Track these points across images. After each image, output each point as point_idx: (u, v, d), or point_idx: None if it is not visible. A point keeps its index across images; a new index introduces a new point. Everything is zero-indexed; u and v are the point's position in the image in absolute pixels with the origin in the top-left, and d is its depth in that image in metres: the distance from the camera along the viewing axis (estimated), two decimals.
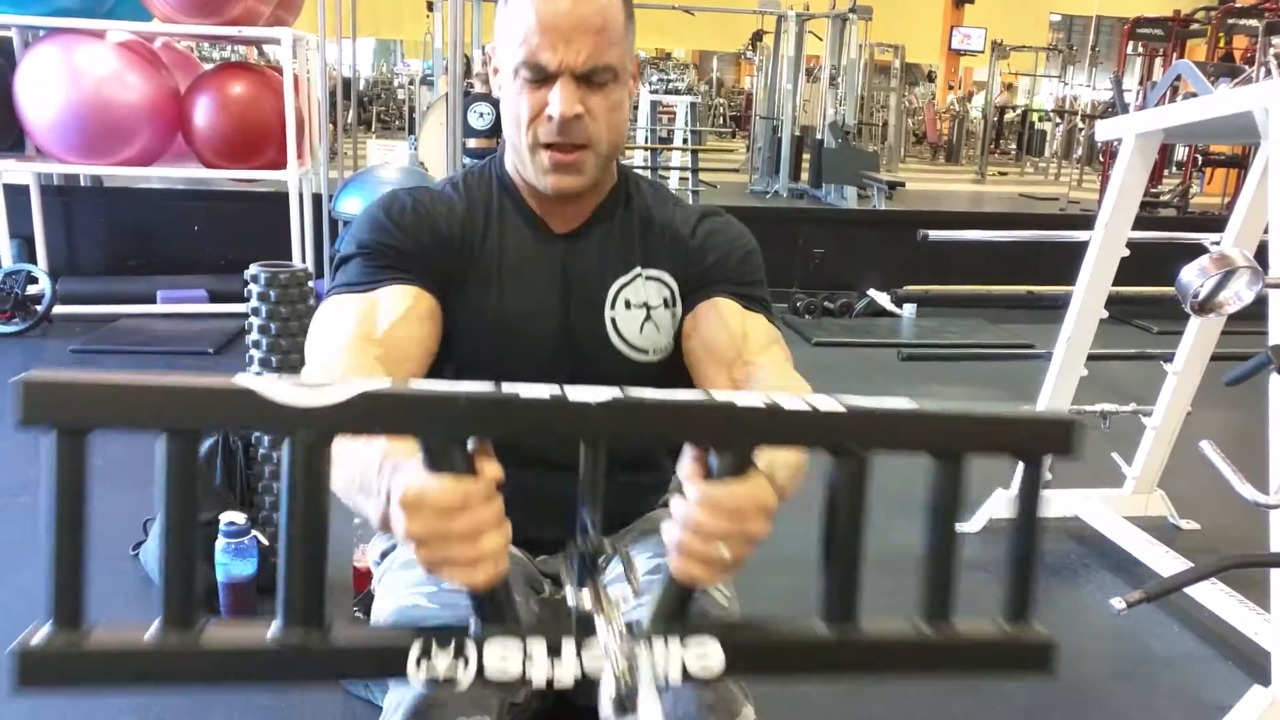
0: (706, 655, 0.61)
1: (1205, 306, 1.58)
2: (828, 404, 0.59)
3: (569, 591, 0.64)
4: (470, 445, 0.61)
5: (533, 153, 1.08)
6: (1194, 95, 2.27)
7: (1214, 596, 2.17)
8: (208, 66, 5.03)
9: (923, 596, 0.63)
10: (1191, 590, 2.18)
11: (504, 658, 0.59)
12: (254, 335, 2.19)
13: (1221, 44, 8.74)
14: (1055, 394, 2.69)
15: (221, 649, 0.56)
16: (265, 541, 2.14)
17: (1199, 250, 1.61)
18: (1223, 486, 1.69)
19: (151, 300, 4.63)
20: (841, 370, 4.43)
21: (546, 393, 0.57)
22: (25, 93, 4.12)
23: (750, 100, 13.30)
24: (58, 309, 4.31)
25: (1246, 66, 7.02)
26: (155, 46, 4.63)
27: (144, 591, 2.16)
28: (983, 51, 15.04)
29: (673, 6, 8.49)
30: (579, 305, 1.15)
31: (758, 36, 10.75)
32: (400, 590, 1.04)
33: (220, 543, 2.05)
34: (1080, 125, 12.09)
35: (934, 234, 3.23)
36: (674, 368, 1.16)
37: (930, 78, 17.44)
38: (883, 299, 5.26)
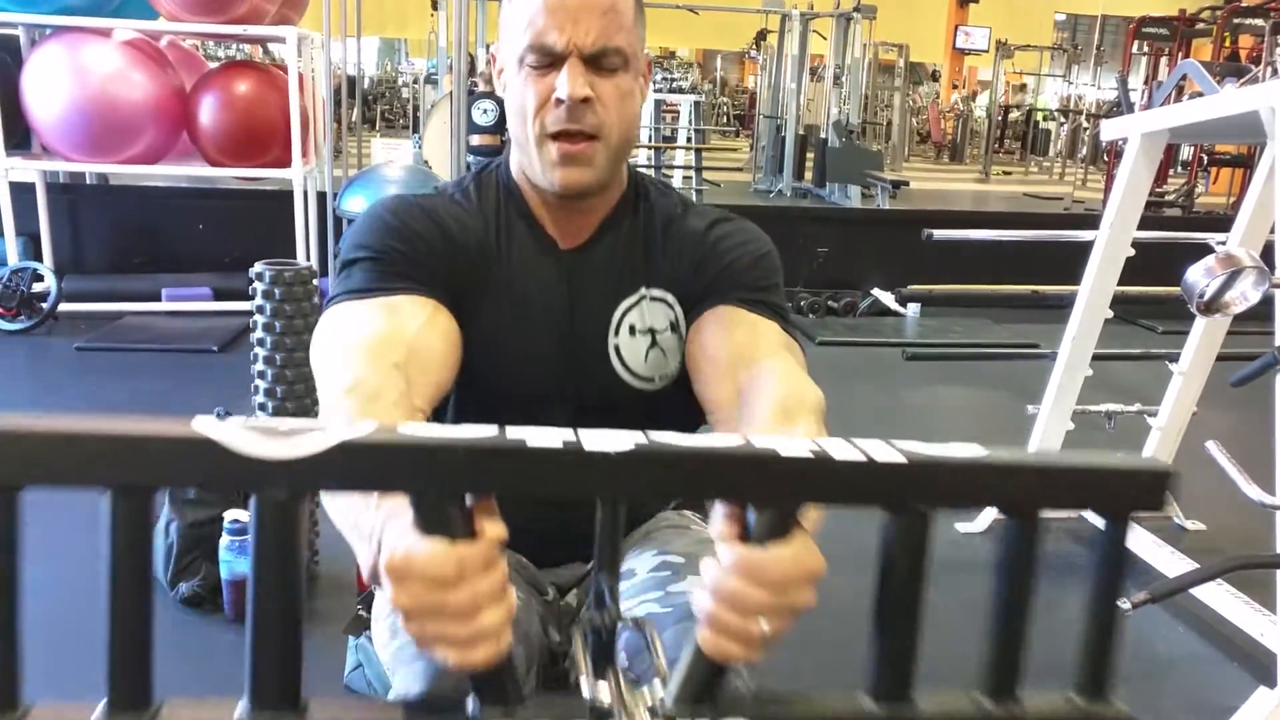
0: None
1: (1211, 306, 1.58)
2: (885, 453, 0.50)
3: (584, 681, 0.56)
4: (468, 500, 0.53)
5: (540, 146, 1.01)
6: (1199, 95, 2.26)
7: (1220, 597, 2.17)
8: (213, 65, 5.04)
9: (986, 668, 0.55)
10: (1197, 591, 2.17)
11: None
12: (258, 333, 2.20)
13: (1227, 43, 8.70)
14: (1060, 394, 2.69)
15: None
16: None
17: (1204, 250, 1.61)
18: (1229, 487, 1.69)
19: (156, 298, 4.64)
20: (846, 370, 4.42)
21: (558, 439, 0.49)
22: (31, 91, 4.13)
23: (754, 99, 13.27)
24: (63, 306, 4.32)
25: (1252, 66, 7.02)
26: (161, 45, 4.64)
27: None
28: (987, 51, 15.01)
29: (677, 5, 8.47)
30: (582, 331, 1.09)
31: (762, 35, 10.76)
32: (408, 658, 0.96)
33: (224, 540, 2.06)
34: (1085, 125, 12.06)
35: (938, 233, 3.23)
36: (684, 389, 1.09)
37: (934, 77, 17.41)
38: (887, 298, 5.26)
